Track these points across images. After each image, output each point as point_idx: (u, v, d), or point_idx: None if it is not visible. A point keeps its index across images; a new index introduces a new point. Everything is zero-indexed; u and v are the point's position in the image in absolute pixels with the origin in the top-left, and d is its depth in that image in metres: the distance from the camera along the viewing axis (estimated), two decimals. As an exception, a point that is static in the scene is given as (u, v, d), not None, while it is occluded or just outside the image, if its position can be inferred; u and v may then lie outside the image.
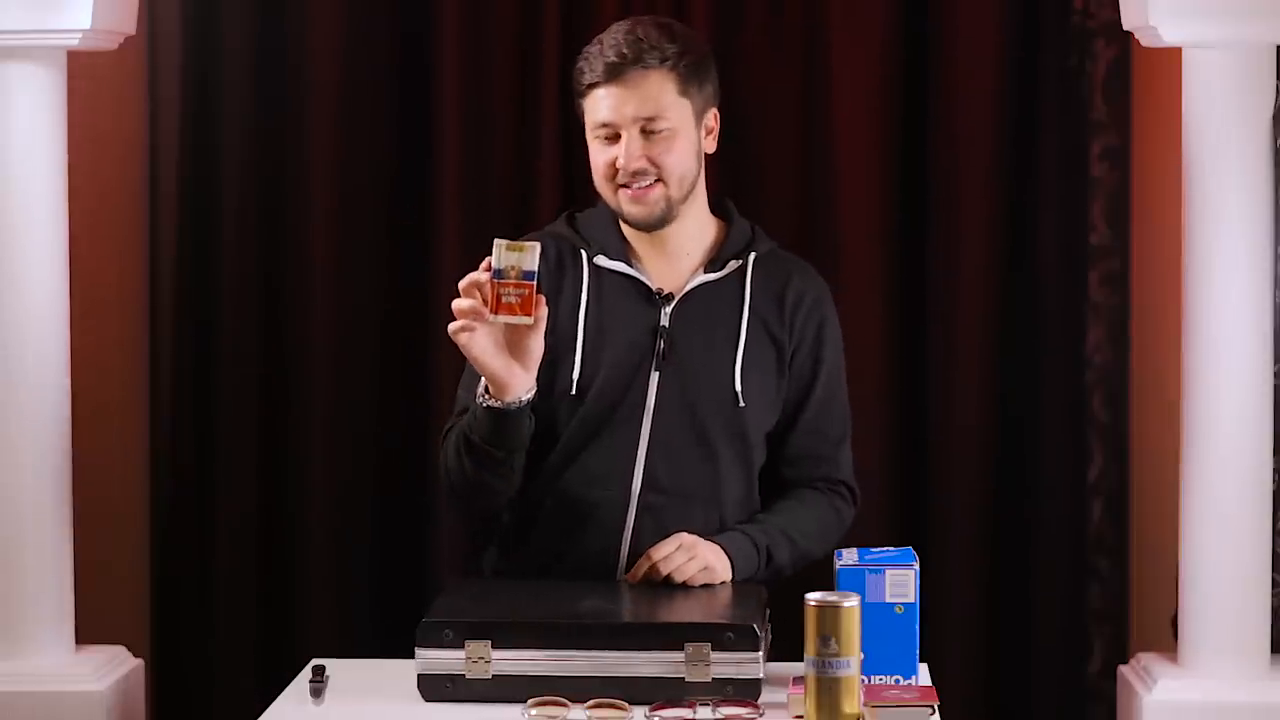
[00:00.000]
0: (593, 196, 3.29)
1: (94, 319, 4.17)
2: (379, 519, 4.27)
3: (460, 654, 2.84)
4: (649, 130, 3.14)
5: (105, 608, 4.20)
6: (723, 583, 3.11)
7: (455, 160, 4.22)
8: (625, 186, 3.17)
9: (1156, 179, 4.14)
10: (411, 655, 2.88)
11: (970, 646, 4.23)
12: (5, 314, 3.81)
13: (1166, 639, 4.03)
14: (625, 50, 3.14)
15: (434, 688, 2.85)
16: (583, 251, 3.24)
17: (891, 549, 2.93)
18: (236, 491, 4.28)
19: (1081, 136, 4.17)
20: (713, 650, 2.81)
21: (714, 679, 2.81)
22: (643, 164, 3.15)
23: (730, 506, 3.22)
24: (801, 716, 2.68)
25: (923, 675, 2.94)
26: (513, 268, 2.93)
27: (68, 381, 3.88)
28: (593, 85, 3.15)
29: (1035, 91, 4.18)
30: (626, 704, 2.75)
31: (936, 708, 2.70)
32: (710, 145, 3.25)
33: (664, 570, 3.08)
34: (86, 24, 3.75)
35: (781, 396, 3.26)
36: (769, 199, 4.20)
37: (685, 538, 3.12)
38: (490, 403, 3.06)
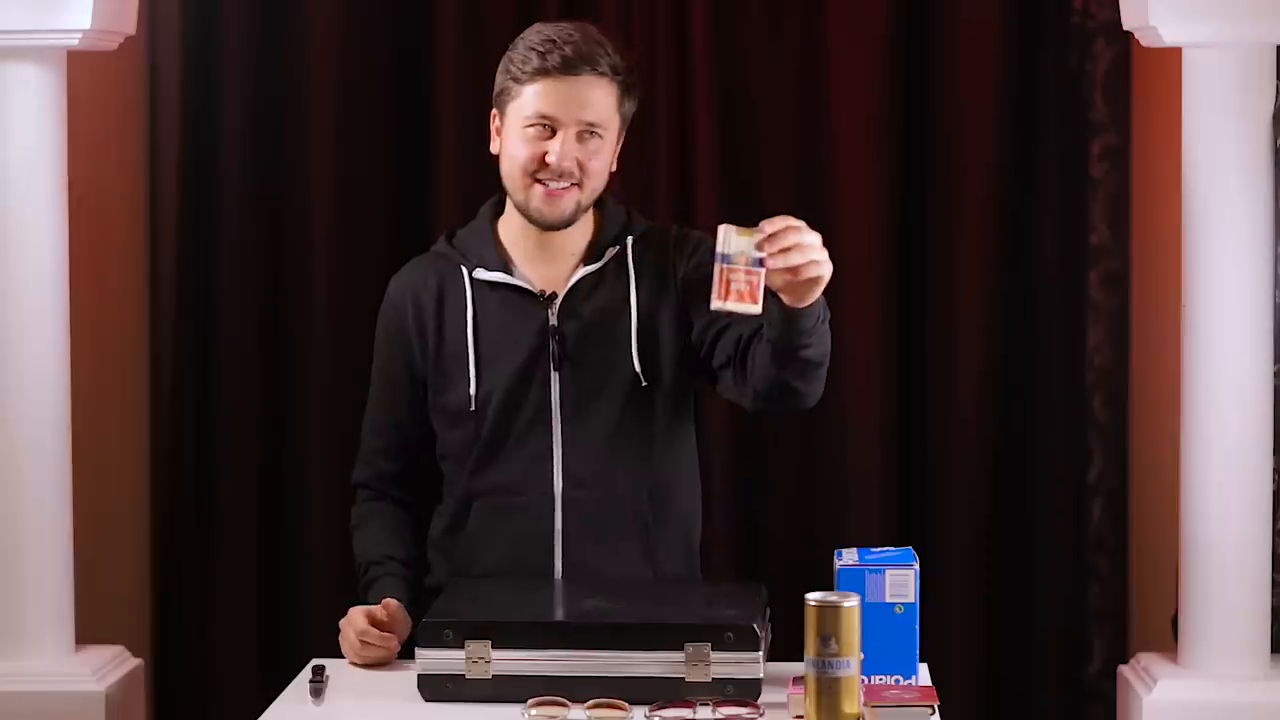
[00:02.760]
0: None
1: (94, 319, 4.17)
2: (379, 519, 4.27)
3: (460, 654, 2.84)
4: (583, 134, 3.12)
5: (105, 608, 4.21)
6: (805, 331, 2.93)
7: (455, 160, 4.22)
8: (541, 183, 3.14)
9: (1156, 179, 4.14)
10: (411, 655, 2.88)
11: (970, 646, 4.23)
12: (5, 314, 3.81)
13: (1166, 639, 4.03)
14: (583, 49, 3.11)
15: (434, 688, 2.85)
16: (462, 268, 3.23)
17: (891, 549, 2.92)
18: (236, 491, 4.28)
19: (1081, 136, 4.18)
20: (713, 650, 2.81)
21: (714, 679, 2.81)
22: (573, 165, 3.12)
23: (660, 484, 3.20)
24: (801, 716, 2.68)
25: (923, 675, 2.93)
26: (742, 254, 2.83)
27: (68, 381, 3.88)
28: (541, 74, 3.11)
29: (1035, 91, 4.18)
30: (626, 704, 2.75)
31: (936, 708, 2.70)
32: (613, 164, 3.21)
33: (793, 244, 2.83)
34: (86, 24, 3.75)
35: (674, 344, 3.17)
36: (768, 199, 4.20)
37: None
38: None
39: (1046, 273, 4.19)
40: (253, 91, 4.25)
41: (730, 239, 2.82)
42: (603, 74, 3.12)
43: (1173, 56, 3.84)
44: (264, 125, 4.26)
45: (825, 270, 2.88)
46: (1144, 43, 3.85)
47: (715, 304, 2.83)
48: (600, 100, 3.12)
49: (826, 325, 3.01)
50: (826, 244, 4.14)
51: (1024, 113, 4.18)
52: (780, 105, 4.21)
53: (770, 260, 2.82)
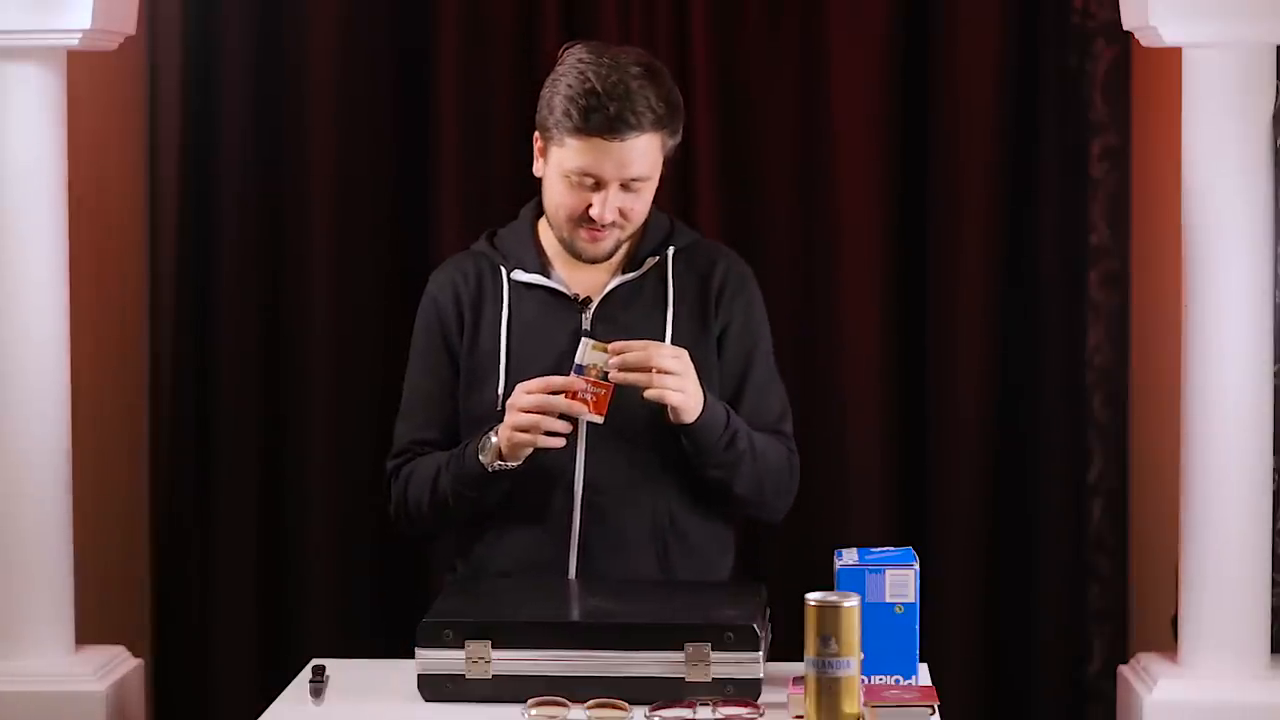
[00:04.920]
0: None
1: (94, 319, 4.17)
2: (379, 519, 4.26)
3: (460, 654, 2.84)
4: (628, 185, 3.12)
5: (105, 608, 4.20)
6: (675, 413, 3.08)
7: (455, 160, 4.22)
8: (584, 226, 3.14)
9: (1156, 179, 4.14)
10: (412, 655, 2.88)
11: (970, 646, 4.23)
12: (5, 314, 3.81)
13: (1166, 639, 4.03)
14: (625, 107, 3.06)
15: (434, 688, 2.85)
16: (501, 268, 3.23)
17: (891, 549, 2.93)
18: (236, 491, 4.28)
19: (1081, 136, 4.18)
20: (713, 650, 2.81)
21: (714, 679, 2.81)
22: (615, 215, 3.13)
23: (676, 495, 3.21)
24: (801, 716, 2.68)
25: (923, 675, 2.94)
26: (594, 367, 3.03)
27: (68, 381, 3.88)
28: (580, 132, 3.07)
29: (1035, 91, 4.18)
30: (626, 704, 2.76)
31: (936, 708, 2.70)
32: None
33: (639, 367, 3.03)
34: (86, 24, 3.75)
35: (716, 380, 3.22)
36: (769, 199, 4.21)
37: (684, 361, 3.08)
38: (503, 467, 3.11)
39: (1046, 272, 4.19)
40: (253, 91, 4.25)
41: (586, 352, 3.05)
42: (645, 130, 3.09)
43: (1173, 56, 3.84)
44: (264, 125, 4.26)
45: (672, 399, 3.05)
46: (1144, 43, 3.85)
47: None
48: (644, 154, 3.11)
49: (746, 460, 3.15)
50: (828, 242, 4.19)
51: (1024, 113, 4.18)
52: (780, 105, 4.21)
53: (614, 375, 3.03)
